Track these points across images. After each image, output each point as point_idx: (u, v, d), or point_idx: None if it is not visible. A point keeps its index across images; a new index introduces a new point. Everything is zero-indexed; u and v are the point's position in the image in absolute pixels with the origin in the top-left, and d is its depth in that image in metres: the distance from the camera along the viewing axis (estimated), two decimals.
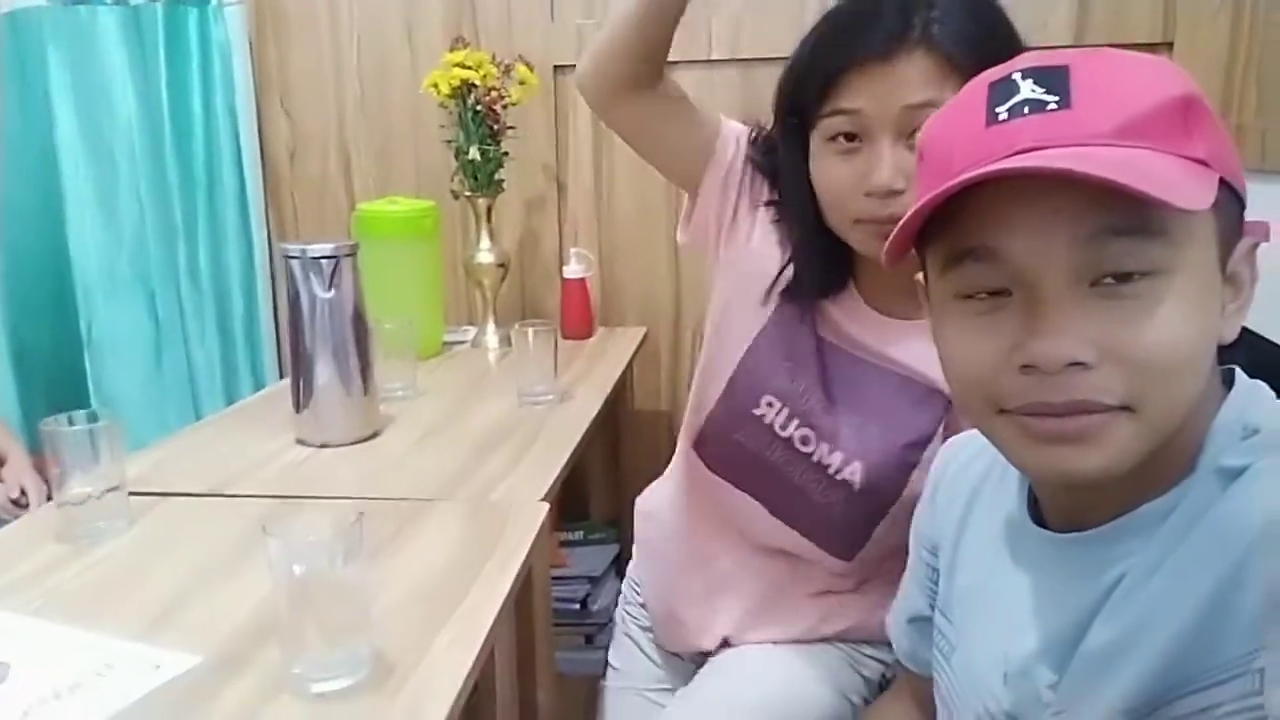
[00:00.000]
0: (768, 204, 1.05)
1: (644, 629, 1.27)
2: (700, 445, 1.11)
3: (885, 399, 0.99)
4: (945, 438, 0.91)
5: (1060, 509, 0.63)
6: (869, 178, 0.89)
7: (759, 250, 1.05)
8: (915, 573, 0.82)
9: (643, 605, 1.28)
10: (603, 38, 1.02)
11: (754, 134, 1.06)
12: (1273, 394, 0.60)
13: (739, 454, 1.06)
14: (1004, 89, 0.56)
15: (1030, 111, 0.54)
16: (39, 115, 2.00)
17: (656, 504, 1.25)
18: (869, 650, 1.11)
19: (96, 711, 0.70)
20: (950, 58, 0.85)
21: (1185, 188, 0.50)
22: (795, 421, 1.02)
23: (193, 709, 0.71)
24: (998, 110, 0.55)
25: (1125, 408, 0.53)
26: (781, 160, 1.01)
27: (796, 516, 1.06)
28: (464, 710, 0.87)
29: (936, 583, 0.77)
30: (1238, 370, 0.60)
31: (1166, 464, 0.56)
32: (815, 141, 0.94)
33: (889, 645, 1.09)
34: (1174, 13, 1.76)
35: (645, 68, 1.01)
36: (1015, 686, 0.64)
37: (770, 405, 1.02)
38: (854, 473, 0.99)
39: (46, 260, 2.07)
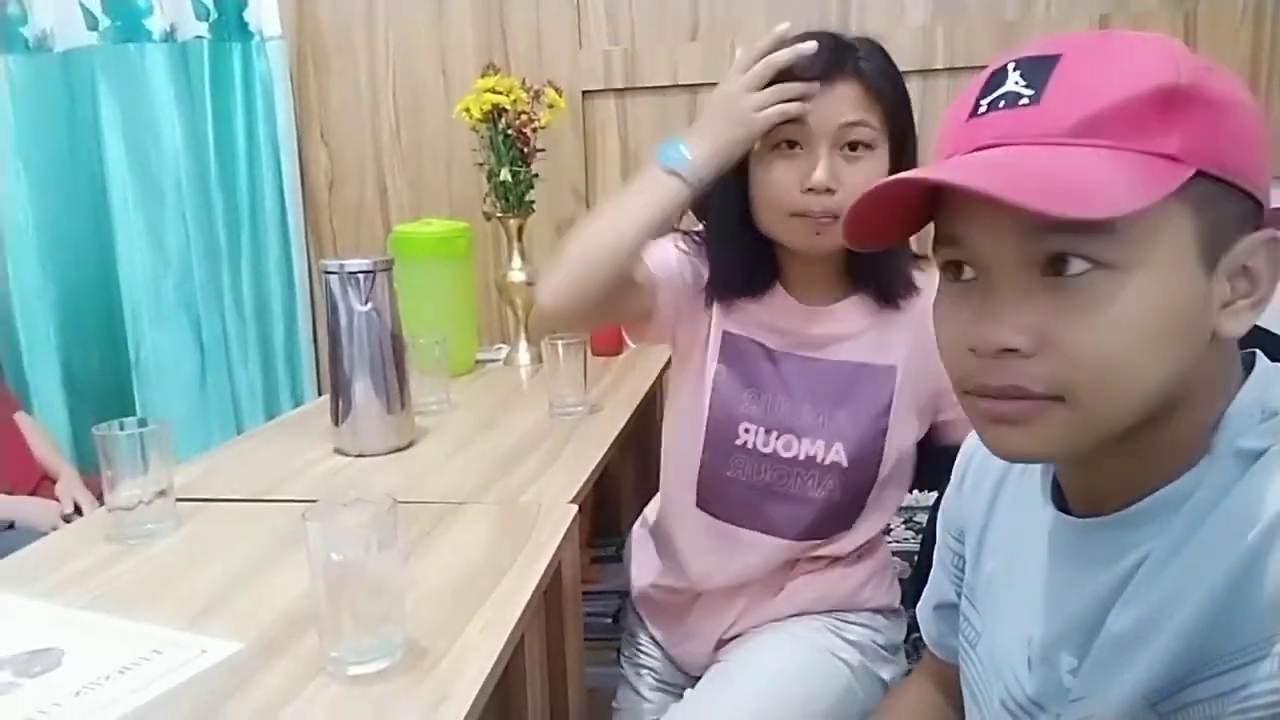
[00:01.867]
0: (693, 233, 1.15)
1: (636, 666, 1.32)
2: (702, 499, 1.16)
3: (837, 385, 1.10)
4: (898, 400, 1.09)
5: (1079, 493, 0.63)
6: (809, 177, 1.01)
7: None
8: (942, 560, 0.83)
9: (634, 643, 1.33)
10: (565, 283, 1.03)
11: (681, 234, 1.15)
12: None
13: (734, 489, 1.13)
14: (997, 78, 0.57)
15: (1005, 106, 0.56)
16: (90, 148, 2.10)
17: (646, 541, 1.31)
18: (850, 618, 1.17)
19: (145, 692, 0.74)
20: (874, 88, 1.01)
21: (1108, 193, 0.50)
22: (774, 433, 1.11)
23: (236, 689, 0.74)
24: (981, 102, 0.57)
25: (1058, 398, 0.54)
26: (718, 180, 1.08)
27: (803, 527, 1.12)
28: (496, 708, 0.90)
29: (963, 570, 0.78)
30: (1259, 354, 0.60)
31: (1182, 447, 0.57)
32: (759, 148, 1.04)
33: (872, 612, 1.17)
34: (1195, 28, 1.78)
35: (608, 299, 1.04)
36: (1038, 673, 0.64)
37: (747, 430, 1.12)
38: (838, 452, 1.10)
39: (96, 286, 2.16)
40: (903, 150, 1.03)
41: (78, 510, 1.71)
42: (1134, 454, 0.58)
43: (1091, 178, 0.51)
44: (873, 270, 1.09)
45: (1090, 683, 0.60)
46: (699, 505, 1.16)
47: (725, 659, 1.17)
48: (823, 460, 1.10)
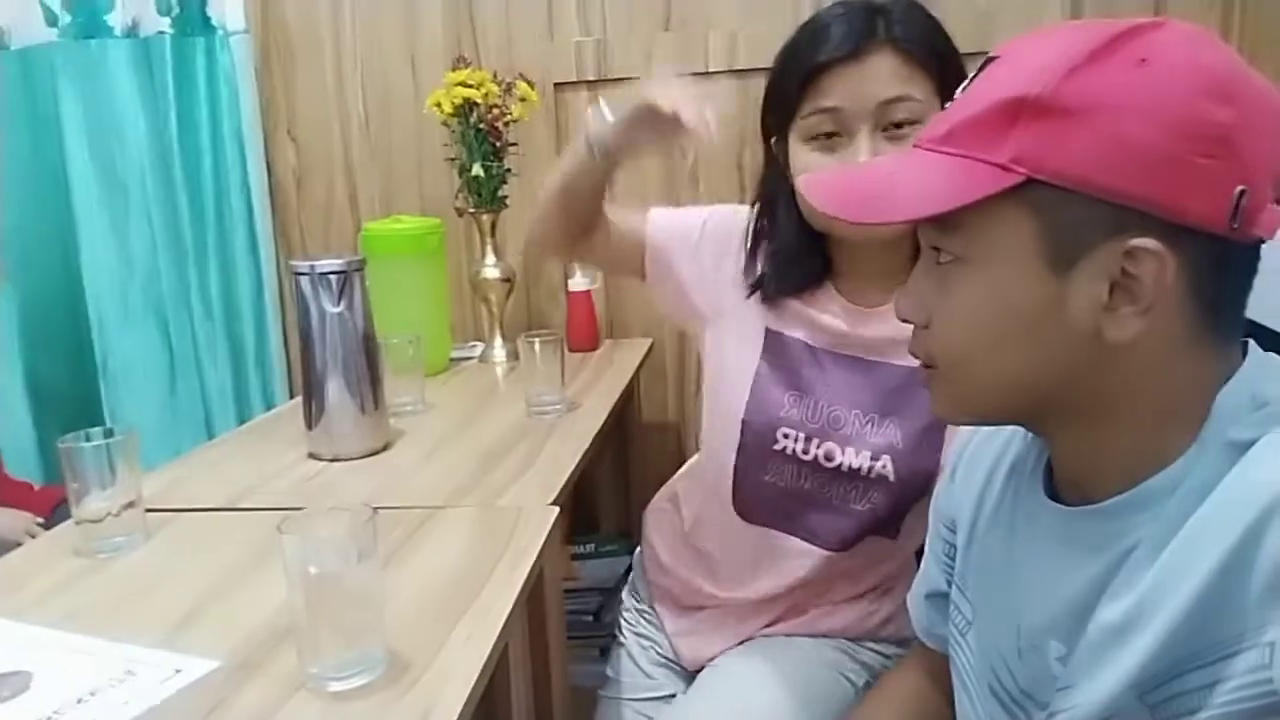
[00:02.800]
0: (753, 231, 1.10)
1: (638, 635, 1.29)
2: (738, 503, 1.11)
3: (893, 392, 1.02)
4: None
5: (1071, 482, 0.64)
6: (851, 163, 0.94)
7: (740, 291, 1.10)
8: (934, 549, 0.83)
9: (640, 611, 1.29)
10: (535, 215, 1.15)
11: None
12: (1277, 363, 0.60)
13: (773, 494, 1.08)
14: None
15: (946, 106, 0.62)
16: (51, 148, 2.04)
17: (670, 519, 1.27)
18: (866, 643, 1.14)
19: (118, 715, 0.72)
20: (913, 55, 0.93)
21: (917, 200, 0.59)
22: (815, 441, 1.05)
23: (213, 710, 0.72)
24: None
25: (933, 367, 0.64)
26: (764, 174, 1.07)
27: (841, 538, 1.07)
28: (479, 712, 0.88)
29: (954, 559, 0.78)
30: (1251, 343, 0.60)
31: (1171, 436, 0.57)
32: (794, 144, 0.99)
33: (887, 641, 1.10)
34: (1164, 9, 1.78)
35: (577, 233, 1.13)
36: (1027, 660, 0.65)
37: (786, 435, 1.05)
38: (885, 466, 1.02)
39: (61, 291, 2.11)
40: None
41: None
42: (1110, 442, 0.59)
43: (917, 183, 0.59)
44: None
45: (1078, 671, 0.60)
46: (736, 510, 1.11)
47: (726, 662, 1.14)
48: (867, 473, 1.03)
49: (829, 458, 1.04)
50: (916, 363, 0.99)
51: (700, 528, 1.19)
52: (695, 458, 1.21)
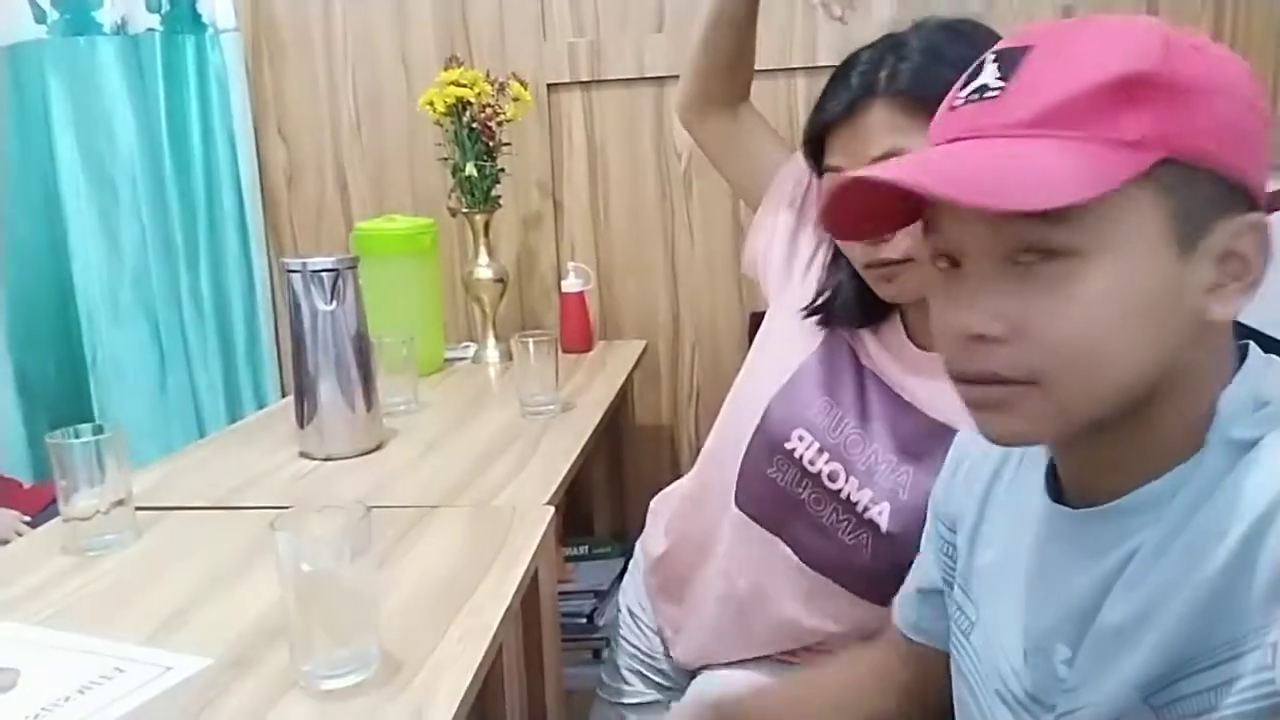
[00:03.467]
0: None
1: (632, 647, 1.28)
2: (739, 488, 1.08)
3: (920, 441, 0.98)
4: None
5: (1075, 483, 0.63)
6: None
7: (811, 282, 1.08)
8: (931, 544, 0.82)
9: (633, 616, 1.28)
10: (685, 64, 1.19)
11: None
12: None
13: (772, 491, 1.05)
14: (976, 69, 0.59)
15: (979, 98, 0.57)
16: (40, 145, 2.03)
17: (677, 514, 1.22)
18: None
19: (107, 713, 0.70)
20: (913, 98, 0.89)
21: (1056, 183, 0.51)
22: (825, 455, 1.01)
23: (203, 708, 0.71)
24: (960, 94, 0.59)
25: (1033, 382, 0.55)
26: None
27: (824, 561, 1.03)
28: (473, 713, 0.87)
29: (954, 559, 0.77)
30: (1252, 345, 0.60)
31: (1176, 437, 0.57)
32: None
33: None
34: (1156, 7, 1.79)
35: (718, 85, 1.17)
36: (1033, 663, 0.64)
37: (801, 439, 1.02)
38: (881, 514, 0.97)
39: (50, 287, 2.09)
40: None
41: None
42: (1129, 441, 0.58)
43: (1041, 168, 0.53)
44: None
45: (1084, 673, 0.60)
46: (736, 496, 1.08)
47: (721, 674, 1.13)
48: (862, 510, 0.99)
49: (832, 478, 1.01)
50: (949, 417, 0.93)
51: (699, 508, 1.15)
52: (710, 438, 1.17)
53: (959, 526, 0.76)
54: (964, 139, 0.57)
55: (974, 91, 0.58)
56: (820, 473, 1.01)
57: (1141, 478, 0.58)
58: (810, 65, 1.85)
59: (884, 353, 1.02)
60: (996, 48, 0.59)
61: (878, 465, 0.98)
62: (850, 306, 1.02)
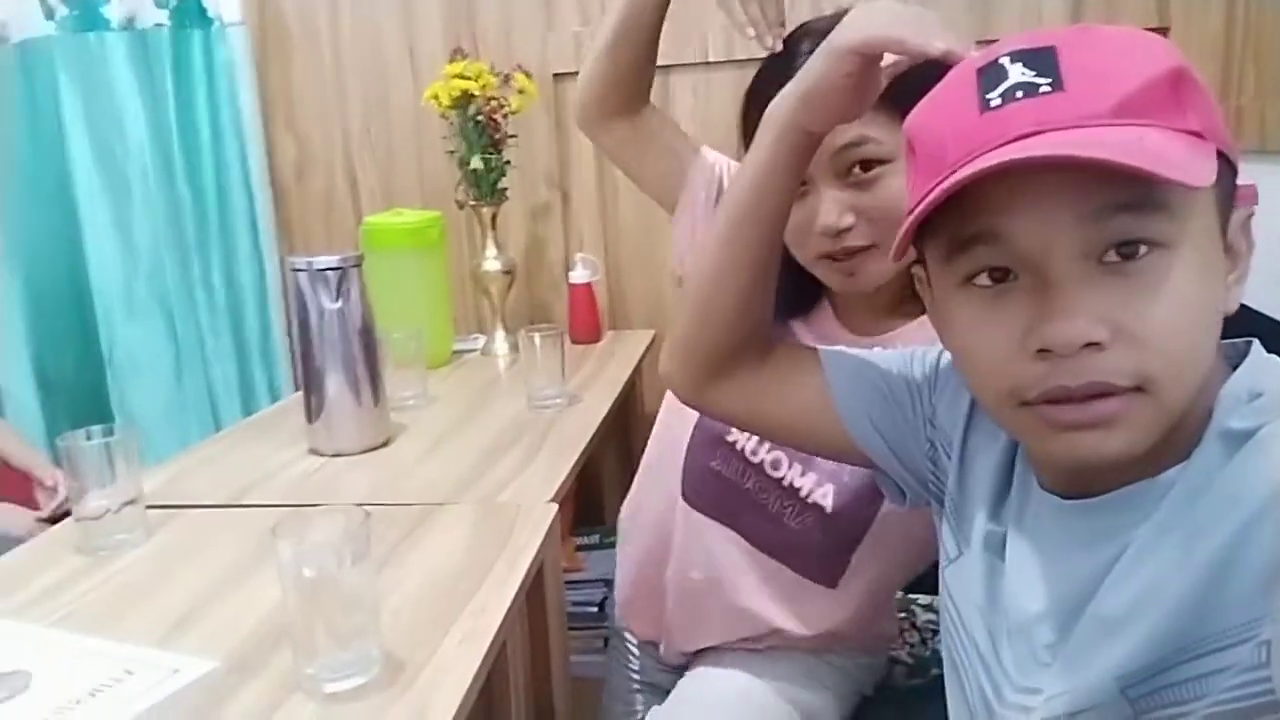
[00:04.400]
0: None
1: (625, 668, 1.27)
2: (686, 486, 1.09)
3: None
4: None
5: (1070, 478, 0.62)
6: (817, 220, 0.91)
7: None
8: (917, 415, 0.76)
9: (620, 635, 1.28)
10: (585, 67, 1.12)
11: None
12: (1273, 358, 0.59)
13: (717, 483, 1.06)
14: (993, 74, 0.55)
15: (1024, 95, 0.54)
16: (52, 142, 2.05)
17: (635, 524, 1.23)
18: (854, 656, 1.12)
19: (117, 715, 0.72)
20: None
21: (1189, 164, 0.51)
22: (765, 445, 1.02)
23: (210, 711, 0.72)
24: (989, 97, 0.55)
25: (1139, 388, 0.53)
26: None
27: (774, 546, 1.04)
28: (479, 709, 0.88)
29: (941, 478, 0.75)
30: (1255, 343, 0.59)
31: (1177, 432, 0.56)
32: None
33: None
34: (1166, 7, 1.76)
35: (623, 92, 1.10)
36: (1015, 641, 0.64)
37: (742, 430, 1.02)
38: (825, 495, 0.99)
39: (66, 283, 2.11)
40: None
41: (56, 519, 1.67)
42: (1145, 451, 0.57)
43: (1167, 149, 0.51)
44: None
45: (1066, 660, 0.60)
46: (684, 494, 1.09)
47: (705, 670, 1.12)
48: (805, 495, 1.00)
49: (775, 466, 1.02)
50: None
51: (649, 508, 1.16)
52: (649, 445, 1.18)
53: (952, 454, 0.73)
54: (1038, 133, 0.52)
55: (1013, 89, 0.54)
56: (763, 462, 1.02)
57: (1136, 473, 0.57)
58: None
59: (819, 339, 0.99)
60: (1010, 50, 0.55)
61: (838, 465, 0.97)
62: (783, 296, 0.96)
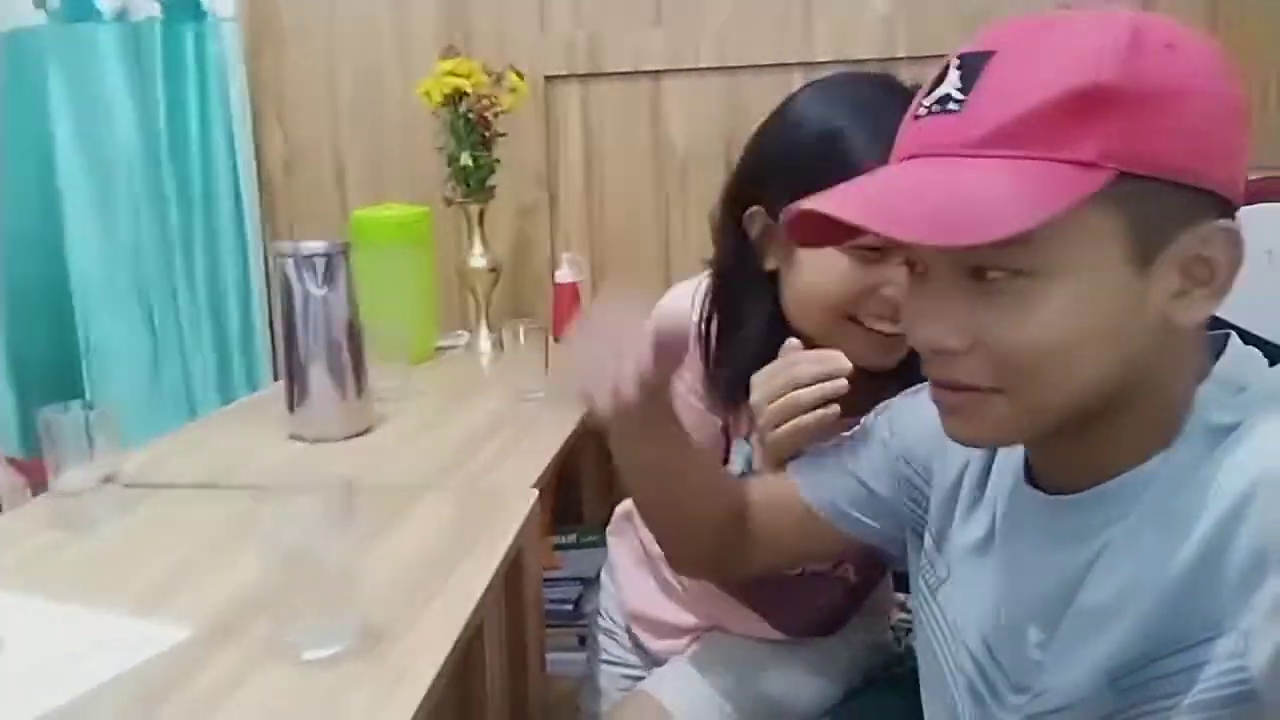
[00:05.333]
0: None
1: (610, 663, 1.28)
2: None
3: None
4: None
5: (1049, 474, 0.63)
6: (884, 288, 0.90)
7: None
8: (886, 468, 0.79)
9: (609, 633, 1.29)
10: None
11: None
12: (1263, 358, 0.60)
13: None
14: (942, 74, 0.57)
15: (936, 110, 0.56)
16: (38, 130, 2.03)
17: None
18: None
19: (89, 680, 0.72)
20: None
21: (1005, 211, 0.51)
22: None
23: (184, 676, 0.72)
24: (923, 102, 0.58)
25: (997, 390, 0.57)
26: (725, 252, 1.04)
27: (782, 620, 1.09)
28: (456, 696, 0.88)
29: (922, 506, 0.76)
30: (1232, 335, 0.60)
31: (1149, 430, 0.57)
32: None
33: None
34: (1153, 7, 1.79)
35: (711, 540, 0.86)
36: (1005, 642, 0.65)
37: None
38: (846, 570, 1.05)
39: (45, 272, 2.09)
40: None
41: None
42: (1102, 438, 0.58)
43: (990, 196, 0.52)
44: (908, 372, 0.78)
45: (1056, 656, 0.61)
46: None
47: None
48: (830, 574, 1.05)
49: (791, 567, 0.99)
50: None
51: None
52: None
53: (932, 480, 0.75)
54: (921, 156, 0.57)
55: (936, 102, 0.56)
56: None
57: (1117, 468, 0.58)
58: (808, 61, 1.85)
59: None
60: (962, 50, 0.57)
61: None
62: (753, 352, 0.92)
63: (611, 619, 1.29)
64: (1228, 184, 0.55)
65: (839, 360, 0.81)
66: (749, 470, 0.96)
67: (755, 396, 0.85)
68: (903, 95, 0.81)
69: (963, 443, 0.62)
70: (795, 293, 0.92)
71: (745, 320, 0.96)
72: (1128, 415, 0.57)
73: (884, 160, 0.62)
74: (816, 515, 0.82)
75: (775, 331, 0.91)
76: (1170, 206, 0.53)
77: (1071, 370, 0.55)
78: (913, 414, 0.77)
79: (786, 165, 0.91)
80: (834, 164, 0.84)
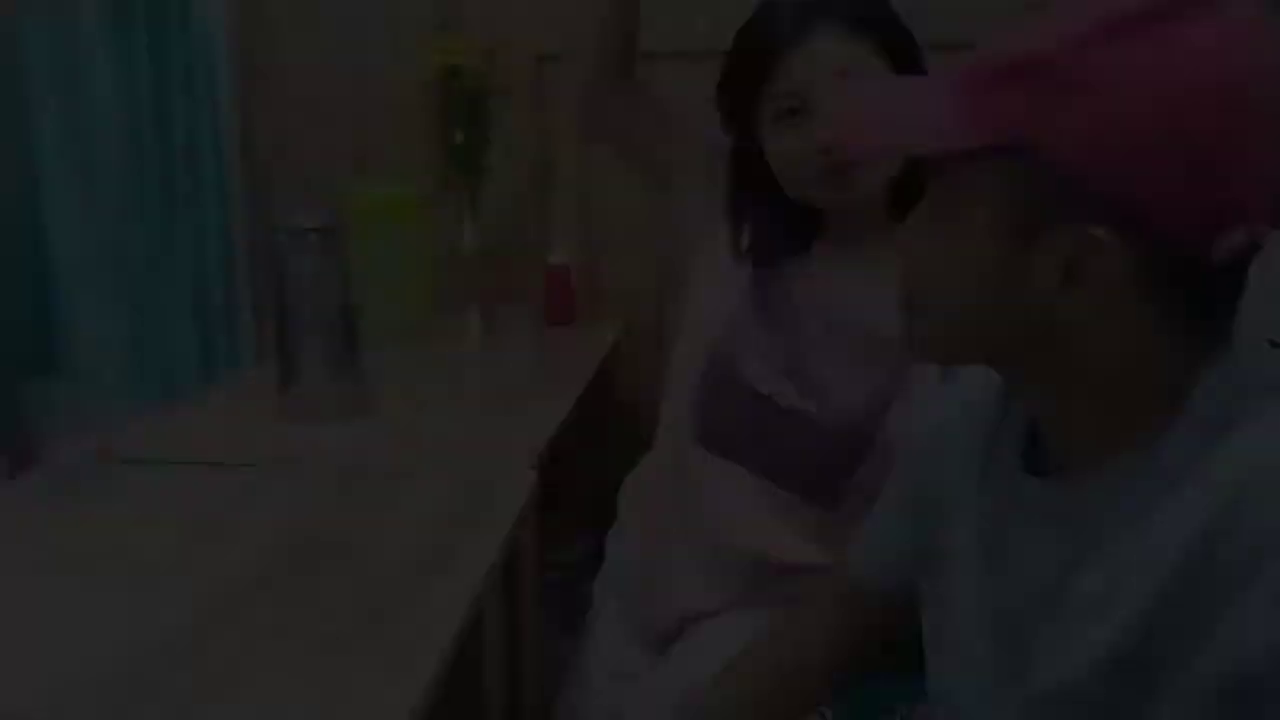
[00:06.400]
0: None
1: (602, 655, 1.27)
2: (702, 432, 1.09)
3: (846, 357, 1.05)
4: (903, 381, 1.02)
5: (1052, 455, 0.63)
6: (816, 137, 1.00)
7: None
8: (906, 508, 0.79)
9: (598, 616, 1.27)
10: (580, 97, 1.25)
11: None
12: (1270, 349, 0.60)
13: (732, 424, 1.07)
14: None
15: None
16: (11, 95, 1.99)
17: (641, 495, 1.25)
18: None
19: (84, 654, 0.70)
20: (858, 18, 1.00)
21: (920, 133, 0.58)
22: (776, 377, 1.06)
23: (184, 659, 0.71)
24: None
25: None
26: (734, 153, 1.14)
27: (778, 470, 1.06)
28: (455, 676, 0.88)
29: (925, 531, 0.76)
30: (1235, 329, 0.59)
31: (1148, 413, 0.57)
32: (766, 122, 1.05)
33: None
34: None
35: (609, 73, 1.22)
36: (1006, 633, 0.65)
37: (749, 367, 1.06)
38: (813, 407, 1.05)
39: (23, 246, 2.06)
40: (912, 64, 1.02)
41: None
42: (1067, 408, 0.60)
43: (923, 115, 0.58)
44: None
45: (1055, 643, 0.60)
46: (700, 439, 1.09)
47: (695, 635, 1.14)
48: (818, 420, 1.04)
49: (781, 395, 1.05)
50: (872, 326, 1.00)
51: (666, 474, 1.16)
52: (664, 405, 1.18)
53: (941, 504, 0.74)
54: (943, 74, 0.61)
55: None
56: (772, 394, 1.05)
57: (1114, 451, 0.58)
58: None
59: (809, 277, 1.07)
60: None
61: (813, 379, 1.05)
62: (775, 244, 1.08)
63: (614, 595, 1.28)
64: (1138, 203, 0.52)
65: None
66: None
67: None
68: None
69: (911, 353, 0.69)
70: (779, 177, 1.05)
71: (756, 197, 1.09)
72: (1079, 392, 0.58)
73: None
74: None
75: (784, 204, 1.06)
76: (1056, 193, 0.53)
77: (947, 303, 0.60)
78: (927, 452, 0.78)
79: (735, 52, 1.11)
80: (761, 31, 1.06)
